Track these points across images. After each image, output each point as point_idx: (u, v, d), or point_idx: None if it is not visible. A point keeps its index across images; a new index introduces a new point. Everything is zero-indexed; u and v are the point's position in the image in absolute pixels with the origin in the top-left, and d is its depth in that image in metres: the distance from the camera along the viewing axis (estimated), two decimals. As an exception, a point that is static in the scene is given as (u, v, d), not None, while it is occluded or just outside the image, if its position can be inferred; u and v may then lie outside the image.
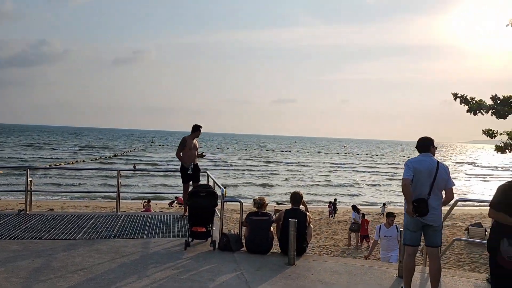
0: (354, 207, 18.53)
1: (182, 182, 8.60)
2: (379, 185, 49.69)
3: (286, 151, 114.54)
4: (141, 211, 23.53)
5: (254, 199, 6.78)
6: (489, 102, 13.21)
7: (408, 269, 4.66)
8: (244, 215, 6.76)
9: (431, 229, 4.58)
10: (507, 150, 13.99)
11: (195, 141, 8.60)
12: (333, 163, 76.64)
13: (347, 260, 6.77)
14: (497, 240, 3.73)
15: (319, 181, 49.19)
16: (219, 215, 6.83)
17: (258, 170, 58.35)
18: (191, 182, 8.46)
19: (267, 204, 6.79)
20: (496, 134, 13.57)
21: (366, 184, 49.50)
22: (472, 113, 13.25)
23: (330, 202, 26.10)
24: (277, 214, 6.73)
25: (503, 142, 13.47)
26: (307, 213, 6.52)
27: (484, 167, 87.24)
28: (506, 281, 3.70)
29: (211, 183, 8.38)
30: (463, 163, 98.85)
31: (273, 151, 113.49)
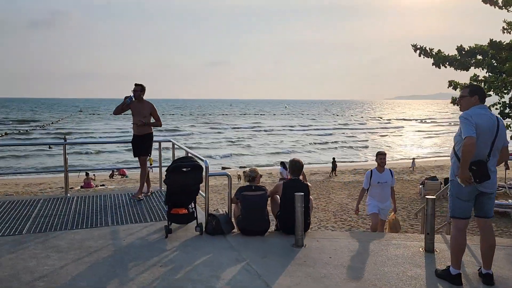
0: (282, 163, 18.82)
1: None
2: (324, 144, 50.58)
3: (235, 114, 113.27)
4: (81, 187, 21.67)
5: (245, 171, 5.74)
6: (451, 53, 12.97)
7: (460, 247, 3.90)
8: (233, 192, 5.71)
9: (486, 197, 3.83)
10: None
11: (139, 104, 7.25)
12: (287, 125, 76.44)
13: (357, 235, 5.96)
14: None
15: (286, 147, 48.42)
16: (203, 193, 5.70)
17: (218, 138, 55.96)
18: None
19: (261, 176, 5.76)
20: (460, 86, 13.45)
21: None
22: (436, 66, 12.97)
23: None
24: (273, 187, 5.75)
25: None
26: (308, 184, 5.61)
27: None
28: None
29: (181, 154, 7.18)
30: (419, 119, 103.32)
31: (224, 115, 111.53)
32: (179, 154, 6.84)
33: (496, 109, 12.70)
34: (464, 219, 3.88)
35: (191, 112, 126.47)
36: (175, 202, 5.35)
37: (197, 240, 5.21)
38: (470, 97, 3.88)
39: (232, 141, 51.95)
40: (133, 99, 7.09)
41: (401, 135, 63.99)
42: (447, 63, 12.91)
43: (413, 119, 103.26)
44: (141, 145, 7.25)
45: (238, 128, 70.72)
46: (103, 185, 23.30)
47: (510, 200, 14.19)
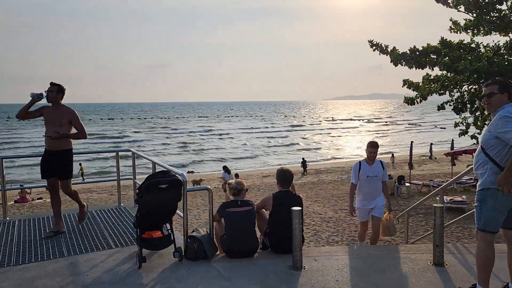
0: (225, 168, 19.10)
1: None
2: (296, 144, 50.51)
3: (181, 117, 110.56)
4: (14, 202, 19.54)
5: (229, 183, 5.01)
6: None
7: (490, 263, 3.47)
8: (215, 207, 4.97)
9: None
10: (416, 102, 14.07)
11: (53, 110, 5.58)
12: (240, 128, 75.40)
13: (356, 250, 5.38)
14: None
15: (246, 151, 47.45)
16: (181, 212, 4.90)
17: (169, 143, 53.33)
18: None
19: (247, 189, 5.06)
20: (417, 85, 13.55)
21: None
22: (394, 64, 12.99)
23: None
24: (260, 201, 5.08)
25: (420, 95, 13.44)
26: (300, 195, 5.01)
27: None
28: None
29: (137, 170, 6.27)
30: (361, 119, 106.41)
31: (176, 118, 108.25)
32: (141, 163, 5.97)
33: (450, 105, 12.92)
34: (494, 233, 3.46)
35: (133, 116, 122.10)
36: (149, 224, 4.53)
37: (177, 268, 4.42)
38: (500, 94, 3.47)
39: (184, 146, 50.14)
40: (43, 97, 5.43)
41: (354, 135, 65.61)
42: (404, 61, 12.95)
43: (362, 119, 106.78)
44: (56, 164, 5.53)
45: (189, 132, 68.68)
46: (40, 198, 21.25)
47: (464, 196, 14.57)
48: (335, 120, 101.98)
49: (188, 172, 30.90)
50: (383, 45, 13.50)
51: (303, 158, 30.09)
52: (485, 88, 3.56)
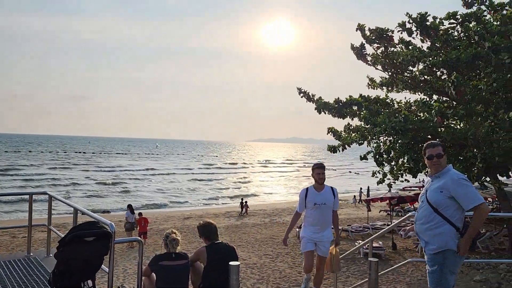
0: (129, 206, 18.87)
1: None
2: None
3: (104, 153, 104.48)
4: None
5: (167, 234, 4.67)
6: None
7: None
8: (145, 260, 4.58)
9: None
10: (338, 150, 14.74)
11: None
12: (166, 167, 71.89)
13: None
14: None
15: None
16: (106, 267, 4.42)
17: (87, 182, 48.42)
18: None
19: (178, 239, 4.75)
20: (339, 133, 14.26)
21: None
22: (318, 112, 13.65)
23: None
24: (194, 253, 4.79)
25: (341, 144, 14.10)
26: (233, 246, 4.82)
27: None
28: None
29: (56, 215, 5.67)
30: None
31: (92, 153, 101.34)
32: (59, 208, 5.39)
33: (372, 157, 13.69)
34: None
35: (45, 149, 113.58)
36: (68, 282, 4.02)
37: (99, 332, 3.93)
38: (444, 155, 3.65)
39: (104, 184, 46.68)
40: None
41: (280, 178, 66.18)
42: (327, 110, 13.67)
43: (294, 162, 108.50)
44: None
45: (108, 169, 64.21)
46: None
47: (380, 242, 15.26)
48: (263, 162, 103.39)
49: (104, 212, 29.05)
50: (310, 94, 14.22)
51: (242, 199, 29.80)
52: (432, 149, 3.66)
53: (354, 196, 32.77)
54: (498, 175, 12.31)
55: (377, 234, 6.64)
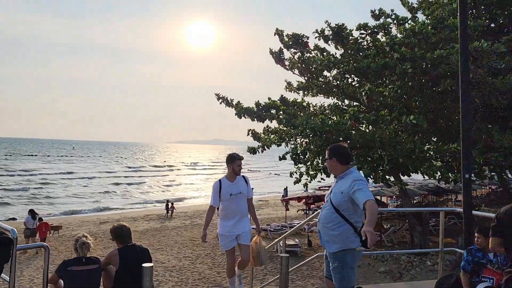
0: (31, 211, 17.79)
1: None
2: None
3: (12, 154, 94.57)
4: None
5: (77, 238, 4.47)
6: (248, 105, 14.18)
7: None
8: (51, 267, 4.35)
9: None
10: (258, 151, 15.11)
11: None
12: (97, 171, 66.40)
13: None
14: None
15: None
16: (6, 276, 4.12)
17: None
18: None
19: (90, 244, 4.58)
20: (259, 135, 14.61)
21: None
22: (238, 116, 13.85)
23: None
24: (105, 257, 4.64)
25: (261, 145, 14.48)
26: (147, 248, 4.77)
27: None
28: None
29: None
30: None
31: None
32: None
33: (289, 156, 14.23)
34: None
35: None
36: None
37: None
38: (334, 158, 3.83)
39: (12, 190, 42.27)
40: None
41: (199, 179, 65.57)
42: (247, 115, 13.94)
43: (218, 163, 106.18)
44: None
45: (17, 173, 57.92)
46: None
47: (296, 240, 15.89)
48: (189, 164, 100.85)
49: (10, 219, 26.78)
50: (228, 99, 14.39)
51: (167, 201, 28.65)
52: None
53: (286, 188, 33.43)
54: (400, 174, 13.45)
55: (289, 231, 6.95)
